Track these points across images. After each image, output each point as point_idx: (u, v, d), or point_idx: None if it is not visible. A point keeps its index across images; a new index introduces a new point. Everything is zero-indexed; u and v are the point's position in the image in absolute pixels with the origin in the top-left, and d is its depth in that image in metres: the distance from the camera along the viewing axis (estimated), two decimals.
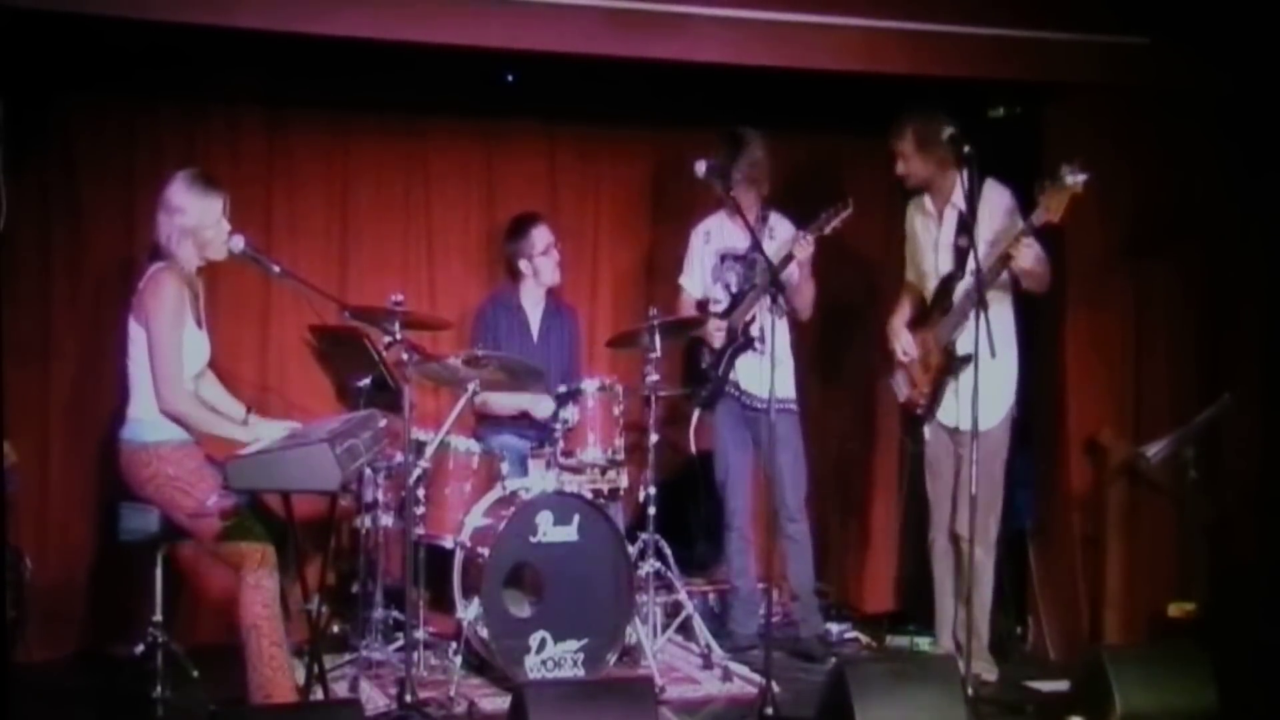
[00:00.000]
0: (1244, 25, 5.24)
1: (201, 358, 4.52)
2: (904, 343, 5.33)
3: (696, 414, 5.71)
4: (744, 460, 5.71)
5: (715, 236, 5.73)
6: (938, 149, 5.06)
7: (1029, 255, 4.92)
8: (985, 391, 4.80)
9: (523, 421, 5.77)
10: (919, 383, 5.31)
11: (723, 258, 5.70)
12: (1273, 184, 5.46)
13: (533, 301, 5.91)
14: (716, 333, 5.60)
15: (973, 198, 4.96)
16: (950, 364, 5.13)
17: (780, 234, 5.60)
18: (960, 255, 5.08)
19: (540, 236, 5.83)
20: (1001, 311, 5.12)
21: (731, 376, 5.62)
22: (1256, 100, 5.41)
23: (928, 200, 5.30)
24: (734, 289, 5.65)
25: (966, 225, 4.99)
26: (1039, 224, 4.85)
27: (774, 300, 4.89)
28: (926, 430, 5.33)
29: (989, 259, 4.96)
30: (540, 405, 5.65)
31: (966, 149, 4.90)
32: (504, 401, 5.69)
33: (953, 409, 5.17)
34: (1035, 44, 5.40)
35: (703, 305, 5.73)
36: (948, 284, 5.18)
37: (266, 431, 4.38)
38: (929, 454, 5.36)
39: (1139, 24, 5.38)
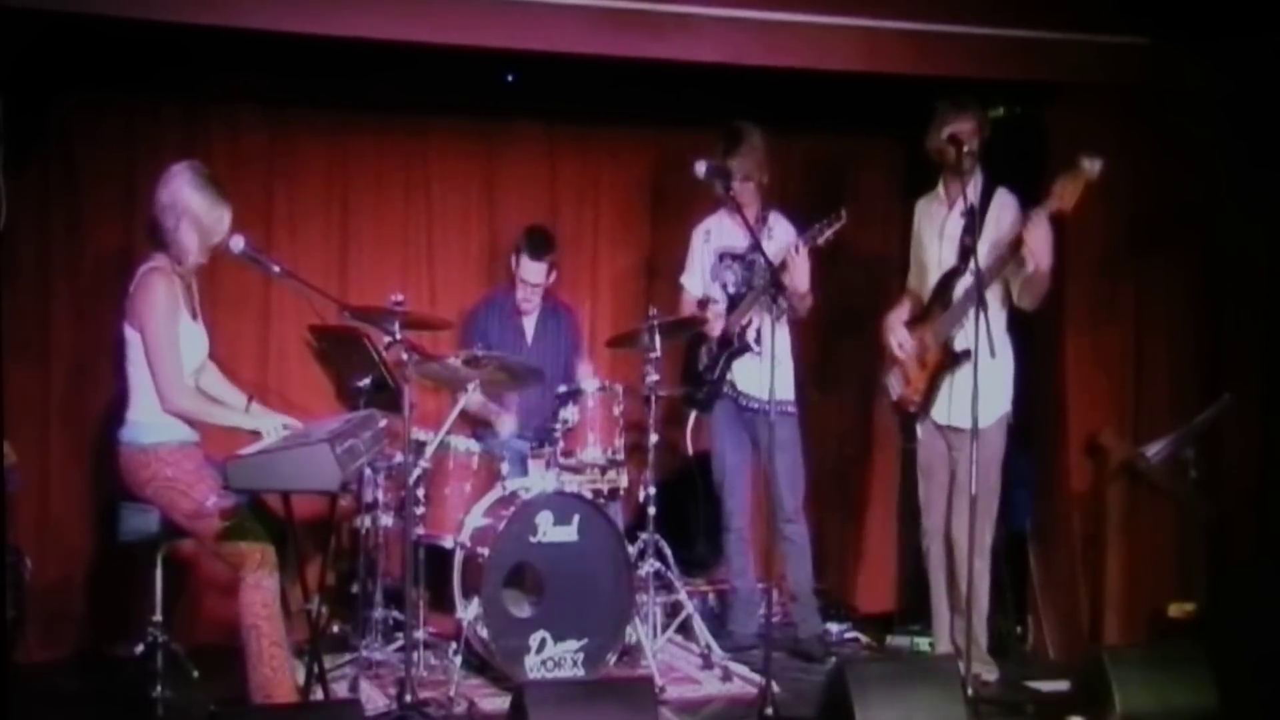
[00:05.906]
0: (1244, 25, 5.23)
1: (200, 351, 4.53)
2: (899, 337, 5.30)
3: (693, 415, 5.71)
4: (742, 461, 5.70)
5: (715, 235, 5.71)
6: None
7: (1039, 235, 4.87)
8: (981, 391, 4.79)
9: (523, 417, 5.78)
10: (913, 380, 5.28)
11: (721, 257, 5.69)
12: (1272, 184, 5.45)
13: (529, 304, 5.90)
14: (716, 320, 5.57)
15: (985, 195, 4.99)
16: (948, 360, 5.13)
17: (778, 234, 5.57)
18: (965, 251, 5.05)
19: (528, 268, 5.74)
20: (997, 313, 5.11)
21: (728, 378, 5.61)
22: (1256, 100, 5.41)
23: (941, 189, 5.28)
24: (730, 289, 5.63)
25: (973, 222, 4.97)
26: (1051, 211, 4.84)
27: (774, 301, 4.87)
28: (920, 430, 5.32)
29: (990, 260, 4.96)
30: (504, 423, 5.69)
31: (966, 148, 4.92)
32: (474, 400, 5.41)
33: (945, 406, 5.16)
34: (1035, 44, 5.40)
35: (703, 304, 5.71)
36: (949, 280, 5.16)
37: (267, 421, 4.39)
38: (921, 457, 5.34)
39: (1139, 24, 5.38)
